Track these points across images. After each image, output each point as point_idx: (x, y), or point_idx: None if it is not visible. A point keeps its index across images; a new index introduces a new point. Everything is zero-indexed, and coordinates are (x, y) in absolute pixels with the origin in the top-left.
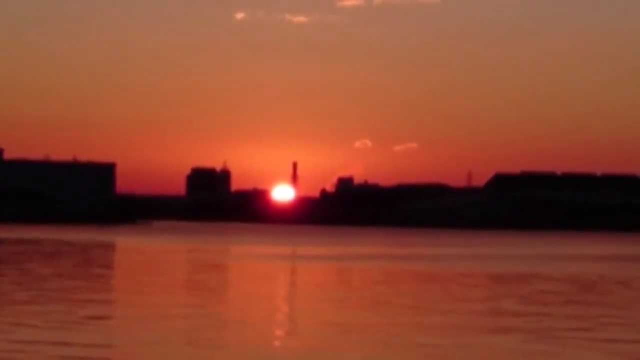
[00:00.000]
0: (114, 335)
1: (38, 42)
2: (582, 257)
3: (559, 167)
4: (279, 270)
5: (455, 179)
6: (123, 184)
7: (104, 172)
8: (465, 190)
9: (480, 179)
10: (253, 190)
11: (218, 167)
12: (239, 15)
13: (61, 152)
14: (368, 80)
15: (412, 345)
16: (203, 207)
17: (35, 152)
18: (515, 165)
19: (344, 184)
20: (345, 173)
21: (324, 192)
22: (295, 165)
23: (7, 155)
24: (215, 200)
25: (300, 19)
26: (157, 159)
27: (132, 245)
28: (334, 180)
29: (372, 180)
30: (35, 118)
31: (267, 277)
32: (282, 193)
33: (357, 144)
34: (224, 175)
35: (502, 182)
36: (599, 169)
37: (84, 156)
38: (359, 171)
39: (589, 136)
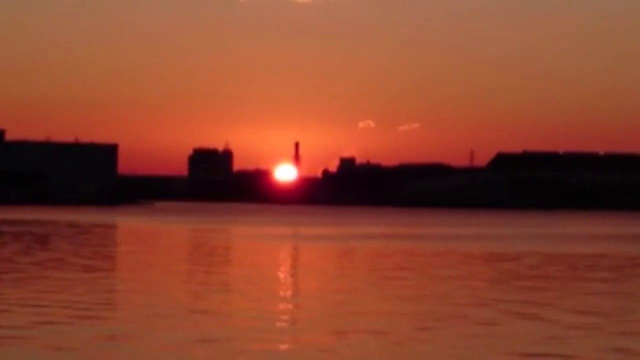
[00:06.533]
0: (120, 309)
1: (39, 24)
2: (584, 236)
3: (561, 146)
4: (281, 250)
5: (458, 159)
6: (125, 164)
7: (106, 153)
8: (467, 170)
9: (482, 159)
10: (255, 171)
11: (220, 147)
12: None
13: (63, 133)
14: (371, 60)
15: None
16: (205, 188)
17: (36, 133)
18: (517, 145)
19: (346, 164)
20: (347, 153)
21: (326, 172)
22: (297, 146)
23: (9, 136)
24: (217, 181)
25: None
26: (159, 140)
27: (133, 226)
28: (337, 160)
29: (374, 160)
30: (37, 99)
31: (269, 257)
32: (285, 173)
33: (361, 124)
34: (226, 156)
35: (503, 162)
36: (601, 149)
37: (86, 137)
38: (361, 151)
39: (591, 116)
